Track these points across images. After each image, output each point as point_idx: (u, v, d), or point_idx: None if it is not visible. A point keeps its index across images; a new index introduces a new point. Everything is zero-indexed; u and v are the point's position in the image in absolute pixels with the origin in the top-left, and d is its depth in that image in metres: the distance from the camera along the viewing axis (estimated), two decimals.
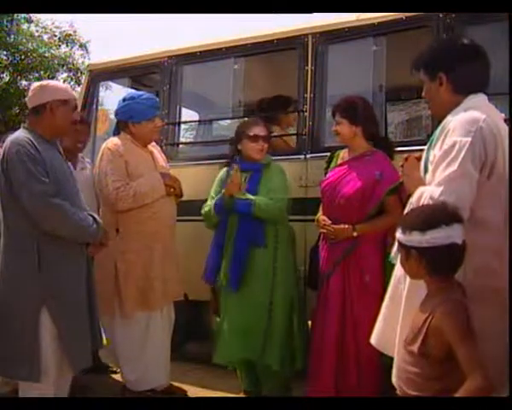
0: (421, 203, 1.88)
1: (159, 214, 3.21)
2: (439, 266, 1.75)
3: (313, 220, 3.11)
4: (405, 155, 2.19)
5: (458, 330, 1.64)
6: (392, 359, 2.10)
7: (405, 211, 2.03)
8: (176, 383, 3.42)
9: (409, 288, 1.96)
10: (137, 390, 3.26)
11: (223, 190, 3.14)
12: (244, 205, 3.05)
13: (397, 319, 1.99)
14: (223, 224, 3.18)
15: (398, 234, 1.81)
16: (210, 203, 3.23)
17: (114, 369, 3.73)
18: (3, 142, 2.77)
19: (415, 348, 1.76)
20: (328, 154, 3.22)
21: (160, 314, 3.28)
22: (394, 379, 1.94)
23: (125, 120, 3.28)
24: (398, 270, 2.06)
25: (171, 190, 3.28)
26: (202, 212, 3.27)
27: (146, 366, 3.23)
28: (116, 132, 3.36)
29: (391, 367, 2.03)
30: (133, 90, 3.91)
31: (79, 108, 4.04)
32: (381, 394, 2.78)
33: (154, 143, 3.45)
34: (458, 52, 2.03)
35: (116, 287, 3.16)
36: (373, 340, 2.19)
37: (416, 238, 1.73)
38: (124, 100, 3.31)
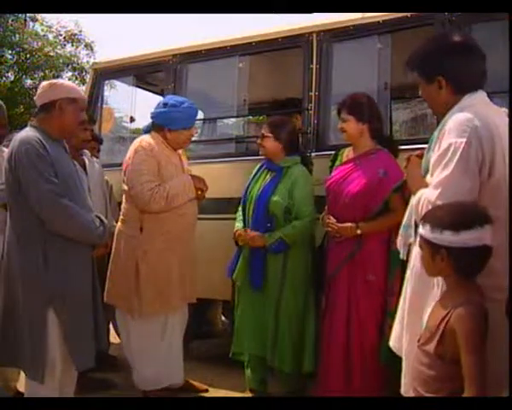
0: (420, 208, 1.86)
1: (185, 216, 3.21)
2: (467, 266, 1.71)
3: (318, 219, 3.11)
4: (406, 156, 2.15)
5: (470, 339, 1.61)
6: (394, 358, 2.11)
7: (407, 213, 2.02)
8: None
9: (413, 289, 1.96)
10: (151, 389, 3.26)
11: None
12: (278, 246, 3.07)
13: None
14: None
15: (425, 231, 1.75)
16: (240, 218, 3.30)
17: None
18: (10, 140, 2.76)
19: (431, 348, 1.72)
20: (333, 152, 3.22)
21: (177, 314, 3.30)
22: (405, 380, 1.93)
23: (162, 125, 3.25)
24: (410, 270, 2.06)
25: (199, 192, 3.28)
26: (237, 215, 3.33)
27: (161, 365, 3.23)
28: (147, 131, 3.34)
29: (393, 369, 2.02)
30: (139, 89, 3.91)
31: None
32: (383, 394, 2.79)
33: None
34: (453, 53, 1.99)
35: (136, 286, 3.14)
36: (391, 343, 2.18)
37: (448, 238, 1.68)
38: (165, 105, 3.29)
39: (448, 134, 1.86)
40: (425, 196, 1.86)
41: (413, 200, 1.96)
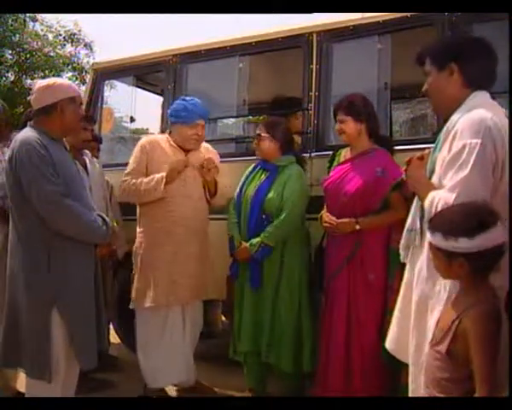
0: (433, 209, 1.82)
1: (173, 213, 3.21)
2: (484, 267, 1.68)
3: (317, 219, 3.11)
4: (406, 159, 2.11)
5: (481, 339, 1.58)
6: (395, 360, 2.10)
7: (410, 217, 2.00)
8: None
9: (420, 293, 1.95)
10: (155, 386, 3.29)
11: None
12: (262, 252, 3.10)
13: (410, 323, 1.98)
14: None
15: (437, 239, 1.69)
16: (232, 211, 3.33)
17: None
18: (11, 141, 2.75)
19: (443, 348, 1.69)
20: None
21: (180, 312, 3.30)
22: (413, 386, 1.93)
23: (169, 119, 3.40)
24: (409, 273, 2.05)
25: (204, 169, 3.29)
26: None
27: (160, 361, 3.24)
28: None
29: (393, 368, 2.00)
30: (139, 89, 3.93)
31: (84, 108, 4.05)
32: (384, 393, 2.79)
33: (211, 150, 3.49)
34: (472, 44, 2.00)
35: (134, 279, 3.29)
36: (388, 345, 2.17)
37: (464, 245, 1.63)
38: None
39: (461, 134, 1.82)
40: (439, 197, 1.81)
41: (425, 204, 1.89)
